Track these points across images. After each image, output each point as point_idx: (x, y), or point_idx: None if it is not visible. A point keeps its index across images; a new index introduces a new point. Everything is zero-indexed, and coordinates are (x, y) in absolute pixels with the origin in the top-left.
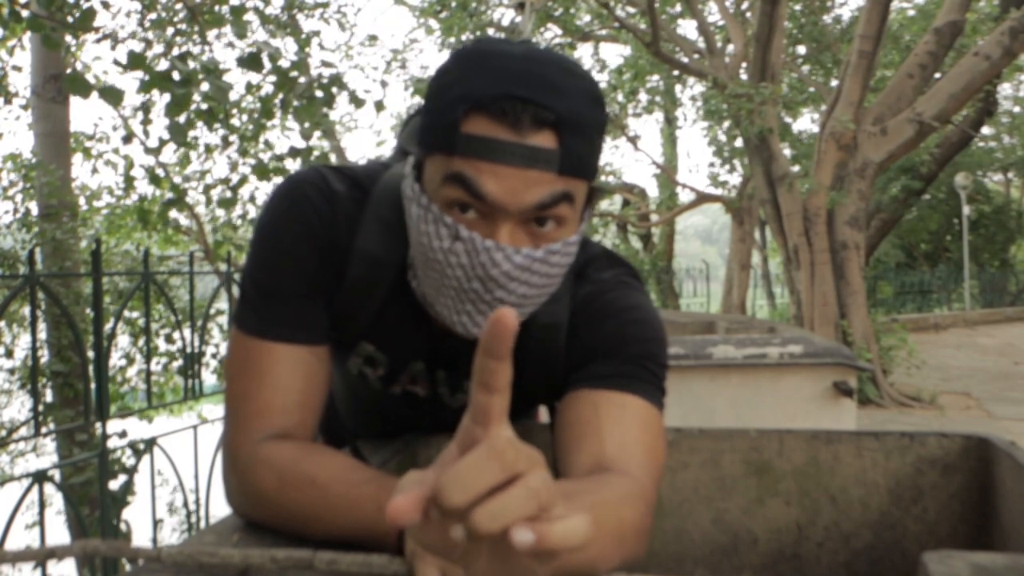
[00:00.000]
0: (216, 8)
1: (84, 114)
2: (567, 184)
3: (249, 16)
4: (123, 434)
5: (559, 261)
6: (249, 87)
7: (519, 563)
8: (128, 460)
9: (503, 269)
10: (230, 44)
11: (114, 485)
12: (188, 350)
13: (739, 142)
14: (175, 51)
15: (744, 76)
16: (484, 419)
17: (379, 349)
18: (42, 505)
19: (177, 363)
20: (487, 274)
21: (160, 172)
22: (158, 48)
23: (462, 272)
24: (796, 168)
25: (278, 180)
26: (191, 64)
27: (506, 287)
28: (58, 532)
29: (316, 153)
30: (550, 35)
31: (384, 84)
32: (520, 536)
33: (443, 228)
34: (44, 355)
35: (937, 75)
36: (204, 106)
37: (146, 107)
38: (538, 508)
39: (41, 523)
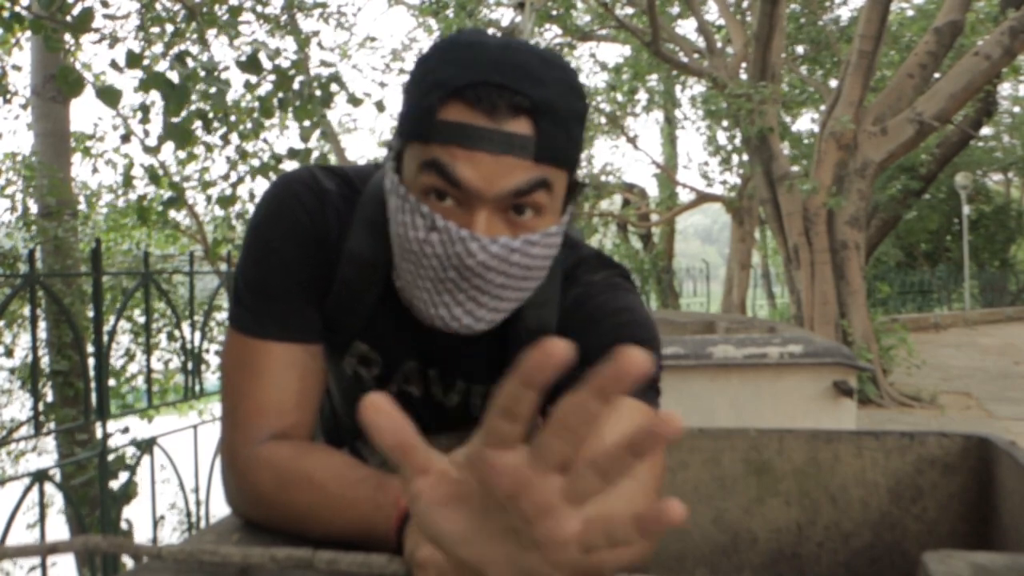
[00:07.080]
0: (215, 8)
1: (84, 114)
2: (544, 171)
3: (246, 16)
4: (126, 430)
5: (539, 252)
6: (248, 86)
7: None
8: (130, 459)
9: (479, 259)
10: (230, 43)
11: (115, 485)
12: (189, 347)
13: (739, 142)
14: (174, 50)
15: (744, 76)
16: (499, 447)
17: (373, 348)
18: (42, 504)
19: (177, 362)
20: (463, 263)
21: (159, 171)
22: (157, 48)
23: (437, 262)
24: (796, 168)
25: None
26: (190, 64)
27: (483, 276)
28: (59, 532)
29: (316, 154)
30: (550, 35)
31: (383, 85)
32: (676, 509)
33: (419, 218)
34: (44, 354)
35: (937, 75)
36: (204, 106)
37: (144, 107)
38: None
39: (42, 522)
